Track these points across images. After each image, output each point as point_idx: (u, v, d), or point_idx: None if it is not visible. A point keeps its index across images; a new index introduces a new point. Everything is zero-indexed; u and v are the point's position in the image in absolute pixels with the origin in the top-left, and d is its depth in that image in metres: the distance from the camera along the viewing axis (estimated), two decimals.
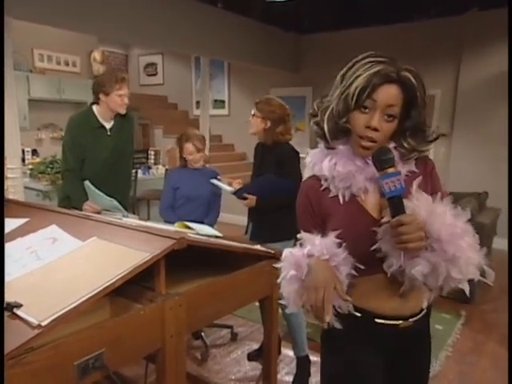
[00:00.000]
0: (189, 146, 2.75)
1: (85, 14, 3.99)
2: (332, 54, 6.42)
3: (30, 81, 6.35)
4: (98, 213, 2.38)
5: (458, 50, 5.51)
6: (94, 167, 2.60)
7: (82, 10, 3.95)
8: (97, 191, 2.41)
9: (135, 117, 2.85)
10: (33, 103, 6.38)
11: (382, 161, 1.01)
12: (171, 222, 2.47)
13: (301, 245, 1.11)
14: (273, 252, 1.80)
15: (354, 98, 1.04)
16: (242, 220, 2.67)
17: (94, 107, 2.62)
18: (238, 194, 2.46)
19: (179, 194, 2.82)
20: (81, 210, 2.47)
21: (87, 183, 2.44)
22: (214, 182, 2.68)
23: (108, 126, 2.64)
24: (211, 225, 2.63)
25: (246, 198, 2.43)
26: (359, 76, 1.04)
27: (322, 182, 1.14)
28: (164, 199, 2.86)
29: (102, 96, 2.56)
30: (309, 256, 1.07)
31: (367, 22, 5.79)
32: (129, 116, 2.74)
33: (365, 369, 1.16)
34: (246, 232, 2.66)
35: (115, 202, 2.36)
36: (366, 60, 1.06)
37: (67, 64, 7.26)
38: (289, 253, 1.10)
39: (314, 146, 1.19)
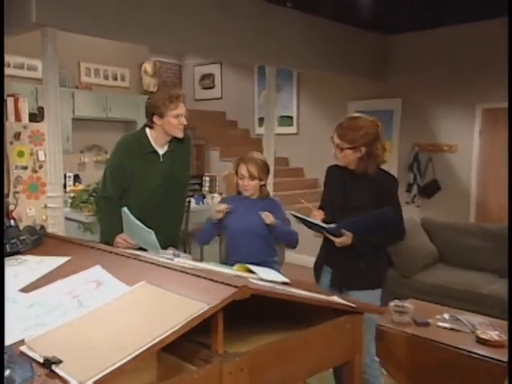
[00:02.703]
0: (241, 169, 2.80)
1: (136, 22, 4.24)
2: (426, 58, 6.31)
3: (75, 98, 6.78)
4: (140, 249, 2.43)
5: None
6: (142, 196, 2.68)
7: (133, 18, 4.22)
8: (135, 220, 2.45)
9: (192, 138, 2.94)
10: (76, 123, 6.79)
11: None
12: (207, 240, 2.94)
13: None
14: (354, 306, 1.75)
15: None
16: (307, 260, 2.61)
17: (148, 130, 2.72)
18: (334, 230, 2.37)
19: (225, 226, 2.83)
20: (111, 244, 2.53)
21: (125, 209, 2.48)
22: (295, 213, 2.52)
23: (161, 151, 2.72)
24: (292, 235, 2.78)
25: (341, 235, 2.37)
26: None
27: None
28: (202, 232, 3.00)
29: (156, 119, 2.64)
30: None
31: (469, 17, 5.66)
32: (186, 139, 2.80)
33: None
34: (317, 279, 2.59)
35: (153, 236, 2.39)
36: None
37: (115, 78, 7.76)
38: None
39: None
